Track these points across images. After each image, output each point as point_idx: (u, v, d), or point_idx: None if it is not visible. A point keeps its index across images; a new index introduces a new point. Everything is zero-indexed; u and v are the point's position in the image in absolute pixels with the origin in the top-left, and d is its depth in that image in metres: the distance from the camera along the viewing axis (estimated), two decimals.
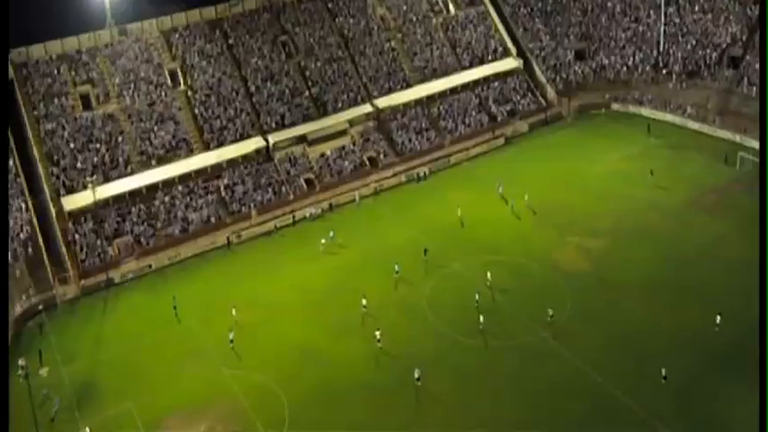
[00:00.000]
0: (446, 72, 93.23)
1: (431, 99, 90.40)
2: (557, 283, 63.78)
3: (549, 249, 68.45)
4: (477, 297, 61.15)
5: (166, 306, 63.35)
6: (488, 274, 63.69)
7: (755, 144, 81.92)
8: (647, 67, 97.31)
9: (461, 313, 60.98)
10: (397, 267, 65.69)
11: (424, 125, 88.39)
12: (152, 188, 74.71)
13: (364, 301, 61.37)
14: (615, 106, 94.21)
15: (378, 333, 57.43)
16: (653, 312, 59.43)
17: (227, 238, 72.92)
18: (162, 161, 76.84)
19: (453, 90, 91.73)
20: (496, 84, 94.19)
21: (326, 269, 68.10)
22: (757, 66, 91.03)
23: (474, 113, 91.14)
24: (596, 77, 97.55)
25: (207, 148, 79.36)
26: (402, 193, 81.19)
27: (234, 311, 61.42)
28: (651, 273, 64.43)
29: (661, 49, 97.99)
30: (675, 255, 66.49)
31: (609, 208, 73.96)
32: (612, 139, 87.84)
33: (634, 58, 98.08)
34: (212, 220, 74.51)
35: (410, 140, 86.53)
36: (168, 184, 75.40)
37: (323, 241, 70.98)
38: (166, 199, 74.54)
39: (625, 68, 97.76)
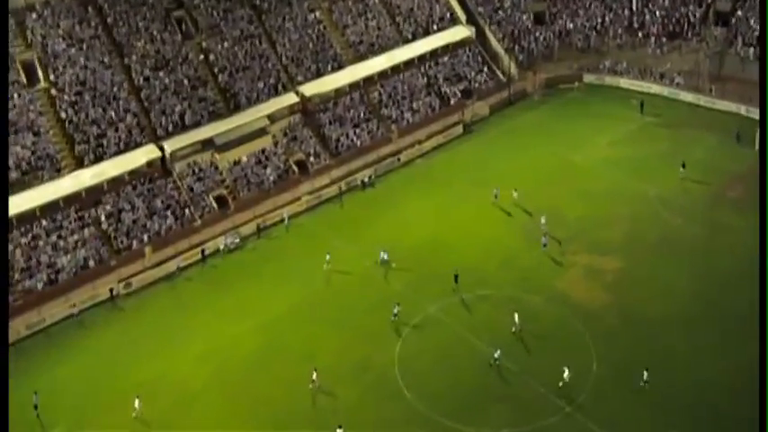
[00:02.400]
0: (385, 47, 72.98)
1: (369, 81, 70.27)
2: (571, 326, 45.28)
3: (550, 275, 49.89)
4: (496, 355, 42.64)
5: (24, 405, 41.66)
6: (516, 317, 45.17)
7: None
8: (620, 30, 79.48)
9: (453, 384, 42.01)
10: (396, 309, 46.54)
11: (362, 115, 68.53)
12: None
13: (314, 375, 42.08)
14: (588, 78, 75.92)
15: None
16: (715, 362, 41.89)
17: (111, 290, 51.43)
18: (17, 187, 53.90)
19: (395, 69, 71.70)
20: (446, 58, 74.77)
21: (254, 325, 47.48)
22: (752, 22, 74.99)
23: (422, 96, 71.64)
24: (562, 45, 79.44)
25: (80, 164, 57.11)
26: (344, 206, 60.68)
27: (137, 402, 40.91)
28: (690, 300, 46.94)
29: (634, 7, 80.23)
30: (713, 271, 49.26)
31: (614, 211, 55.81)
32: (595, 118, 69.48)
33: (603, 20, 79.89)
34: (91, 263, 52.67)
35: (347, 136, 66.66)
36: (26, 218, 52.83)
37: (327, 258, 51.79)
38: (24, 240, 52.05)
39: (594, 33, 79.56)
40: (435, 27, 76.33)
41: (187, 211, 57.41)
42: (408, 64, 72.63)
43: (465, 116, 71.14)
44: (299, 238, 56.51)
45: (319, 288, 50.36)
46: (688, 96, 71.15)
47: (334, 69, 70.10)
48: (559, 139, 66.25)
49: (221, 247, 55.32)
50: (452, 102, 72.15)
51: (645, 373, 40.67)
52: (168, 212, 56.67)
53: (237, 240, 55.81)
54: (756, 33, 73.40)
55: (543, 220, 53.93)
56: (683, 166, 59.29)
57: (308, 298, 49.49)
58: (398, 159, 65.74)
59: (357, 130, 67.08)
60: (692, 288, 48.09)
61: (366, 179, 62.90)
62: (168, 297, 51.50)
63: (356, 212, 59.26)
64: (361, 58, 71.93)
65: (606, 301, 47.35)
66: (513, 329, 45.12)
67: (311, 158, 63.87)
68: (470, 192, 59.00)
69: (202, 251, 54.72)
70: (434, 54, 74.37)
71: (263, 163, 62.03)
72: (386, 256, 51.66)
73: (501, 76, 76.04)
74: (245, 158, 61.55)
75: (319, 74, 69.31)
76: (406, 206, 58.42)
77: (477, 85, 74.38)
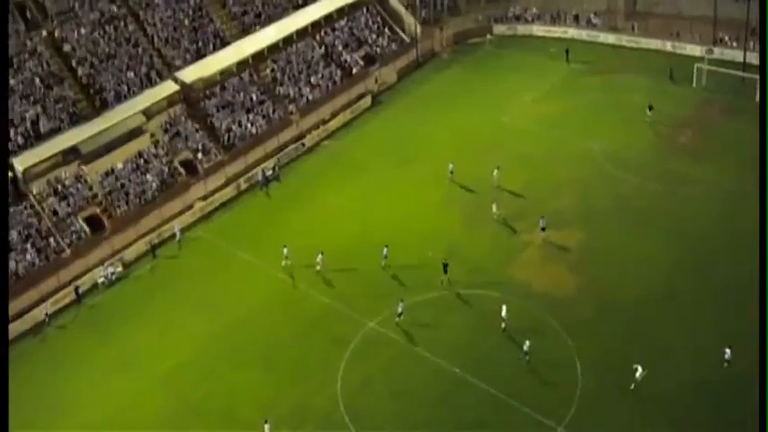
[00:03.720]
0: (273, 16, 60.25)
1: (259, 58, 57.61)
2: (541, 322, 35.73)
3: (504, 263, 39.99)
4: (526, 348, 33.79)
5: None
6: (503, 310, 35.55)
7: (695, 50, 58.50)
8: None
9: (411, 416, 31.76)
10: (400, 307, 36.48)
11: (255, 97, 56.13)
12: None
13: (267, 429, 31.28)
14: (499, 29, 66.08)
15: None
16: (713, 349, 32.87)
17: None
18: None
19: (287, 40, 59.22)
20: (343, 22, 62.83)
21: (156, 376, 35.44)
22: None
23: (321, 68, 59.96)
24: None
25: None
26: (246, 209, 48.27)
27: None
28: (670, 271, 38.25)
29: None
30: (687, 233, 40.61)
31: (560, 175, 46.35)
32: (514, 72, 59.64)
33: None
34: None
35: (239, 124, 54.08)
36: None
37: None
38: None
39: None
40: None
41: (52, 240, 43.84)
42: (301, 33, 60.43)
43: (372, 86, 60.79)
44: (196, 254, 44.01)
45: (230, 316, 38.37)
46: (609, 37, 62.49)
47: (216, 48, 57.04)
48: (481, 99, 56.02)
49: (100, 280, 42.31)
50: (355, 71, 60.95)
51: (727, 351, 32.01)
52: (27, 246, 42.95)
53: (119, 269, 42.90)
54: None
55: (495, 208, 43.20)
56: (650, 108, 50.60)
57: (218, 331, 37.56)
58: (303, 144, 54.04)
59: (251, 116, 54.84)
60: (668, 256, 39.19)
61: (269, 172, 51.14)
62: (37, 355, 38.19)
63: (263, 214, 47.26)
64: (246, 31, 59.01)
65: (575, 285, 37.82)
66: (503, 326, 35.44)
67: (200, 156, 51.00)
68: (395, 173, 48.35)
69: (76, 289, 41.54)
70: (329, 19, 62.25)
71: (141, 169, 48.82)
72: (385, 252, 40.62)
73: (404, 36, 65.19)
74: (119, 166, 48.19)
75: (200, 55, 56.26)
76: (323, 199, 46.91)
77: (379, 49, 63.49)
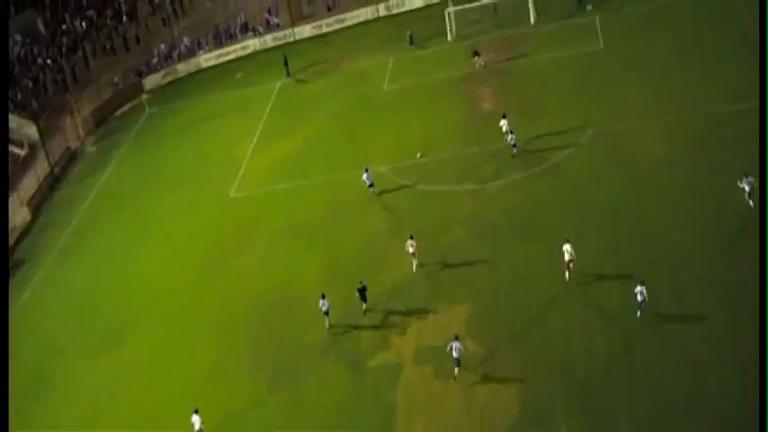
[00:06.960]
0: None
1: None
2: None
3: (374, 407, 22.05)
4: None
5: None
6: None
7: (417, 1, 46.36)
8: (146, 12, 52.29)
9: None
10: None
11: None
12: None
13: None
14: (154, 80, 47.98)
15: None
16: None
17: None
18: None
19: None
20: None
21: None
22: None
23: None
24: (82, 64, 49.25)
25: None
26: None
27: None
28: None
29: None
30: (583, 229, 26.25)
31: (363, 235, 29.48)
32: (210, 123, 42.01)
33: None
34: None
35: None
36: None
37: None
38: None
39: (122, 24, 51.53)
40: None
41: None
42: None
43: None
44: None
45: None
46: (304, 30, 47.68)
47: None
48: (182, 185, 37.22)
49: None
50: None
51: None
52: None
53: None
54: None
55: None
56: (476, 54, 38.26)
57: None
58: None
59: None
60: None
61: None
62: None
63: None
64: None
65: (514, 391, 22.19)
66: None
67: None
68: (100, 364, 27.37)
69: None
70: None
71: None
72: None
73: (17, 148, 42.86)
74: None
75: None
76: None
77: None
